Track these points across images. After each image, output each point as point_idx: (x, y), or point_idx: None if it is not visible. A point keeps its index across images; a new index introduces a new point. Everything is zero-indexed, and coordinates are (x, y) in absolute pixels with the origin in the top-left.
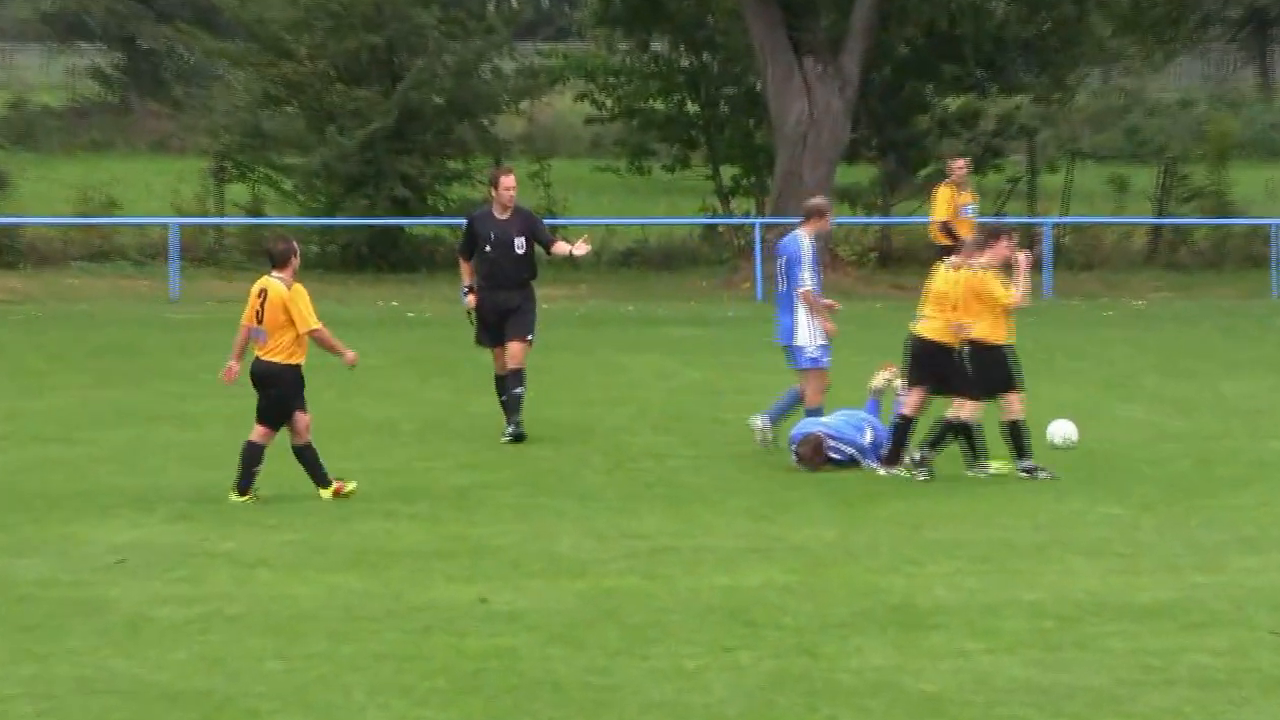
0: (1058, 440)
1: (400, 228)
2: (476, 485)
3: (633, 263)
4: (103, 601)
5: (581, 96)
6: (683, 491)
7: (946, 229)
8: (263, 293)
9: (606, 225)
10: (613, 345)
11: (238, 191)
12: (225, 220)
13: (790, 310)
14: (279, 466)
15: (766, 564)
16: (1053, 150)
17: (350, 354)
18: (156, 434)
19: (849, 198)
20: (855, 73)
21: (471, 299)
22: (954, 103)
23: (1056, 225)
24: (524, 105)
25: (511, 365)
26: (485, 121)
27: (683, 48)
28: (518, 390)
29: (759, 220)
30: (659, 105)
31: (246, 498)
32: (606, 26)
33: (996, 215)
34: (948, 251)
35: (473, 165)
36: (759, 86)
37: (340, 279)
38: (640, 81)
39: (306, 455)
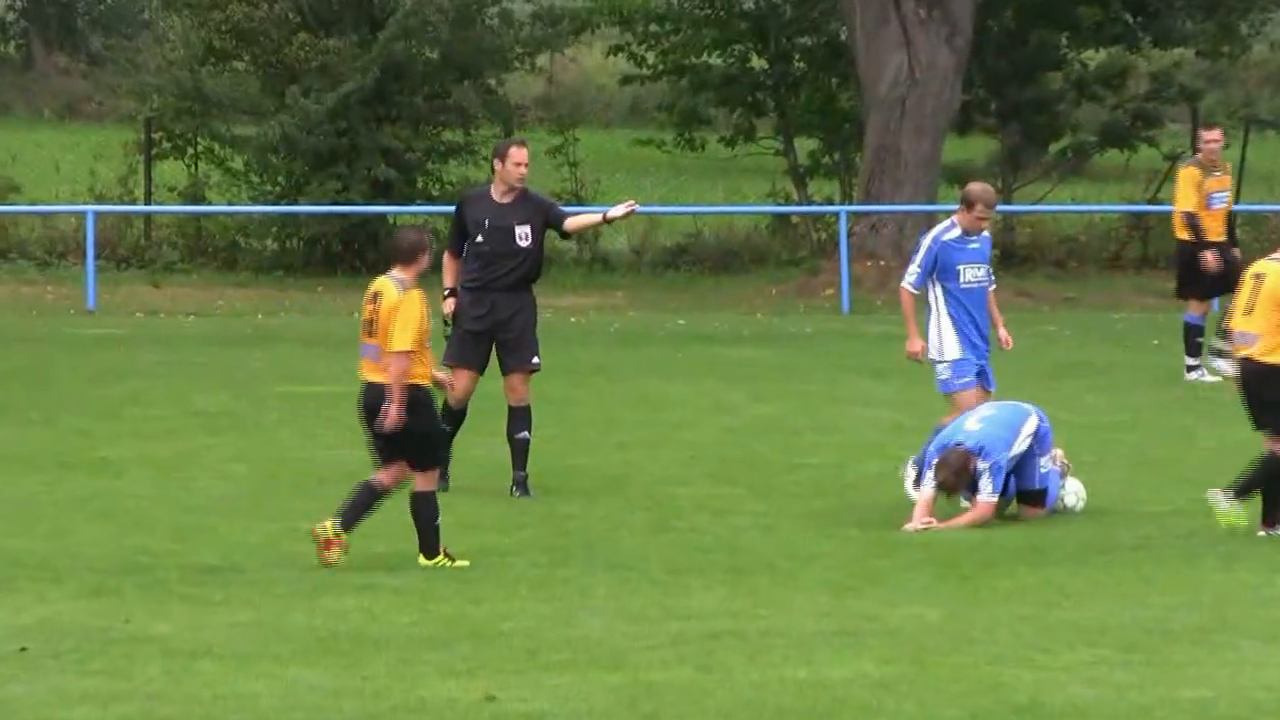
0: (1070, 501)
1: (382, 217)
2: (481, 551)
3: (682, 263)
4: None
5: (616, 49)
6: (746, 559)
7: (1192, 223)
8: (376, 297)
9: (649, 215)
10: (657, 370)
11: (172, 171)
12: (156, 209)
13: (926, 318)
14: (249, 522)
15: (855, 652)
16: (1222, 118)
17: (395, 413)
18: (66, 485)
19: (960, 179)
20: (968, 18)
21: (451, 304)
22: (1095, 57)
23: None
24: (542, 61)
25: (515, 402)
26: (491, 81)
27: None
28: (523, 434)
29: (844, 208)
30: (715, 60)
31: (437, 559)
32: None
33: (1150, 202)
34: (1198, 248)
35: (475, 137)
36: (844, 35)
37: (305, 283)
38: (692, 29)
39: (376, 499)
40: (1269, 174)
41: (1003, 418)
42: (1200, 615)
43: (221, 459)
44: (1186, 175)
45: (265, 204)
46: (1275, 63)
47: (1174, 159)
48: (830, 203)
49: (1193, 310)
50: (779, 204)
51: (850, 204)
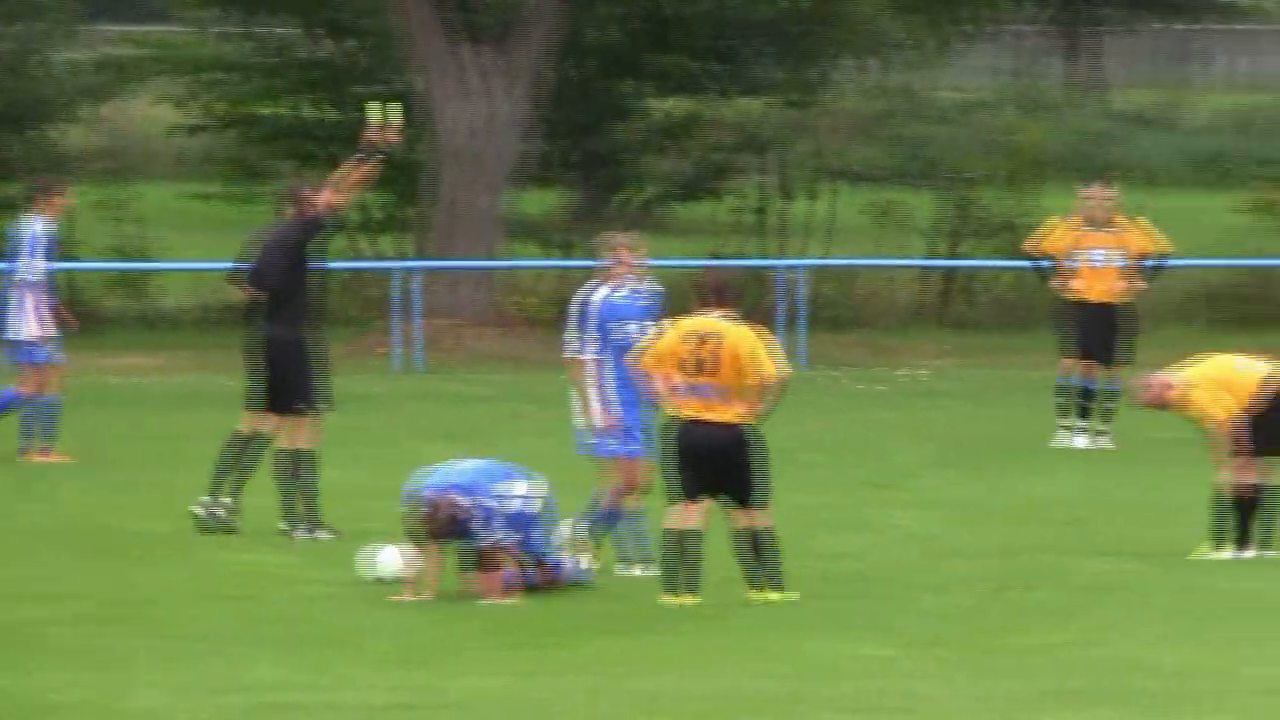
0: (387, 572)
1: None
2: (29, 621)
3: (230, 320)
4: None
5: (170, 99)
6: (309, 629)
7: None
8: (707, 338)
9: (194, 271)
10: (211, 433)
11: None
12: None
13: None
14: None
15: None
16: (802, 170)
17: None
18: None
19: (535, 233)
20: (531, 66)
21: None
22: (678, 107)
23: (792, 269)
24: (98, 110)
25: None
26: (50, 131)
27: (318, 33)
28: None
29: (403, 264)
30: (283, 110)
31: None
32: (206, 5)
33: (714, 257)
34: None
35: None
36: (418, 86)
37: None
38: (260, 78)
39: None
40: (853, 227)
41: (494, 470)
42: (780, 685)
43: None
44: None
45: None
46: (864, 111)
47: (762, 210)
48: (403, 258)
49: None
50: (350, 260)
51: (417, 259)
